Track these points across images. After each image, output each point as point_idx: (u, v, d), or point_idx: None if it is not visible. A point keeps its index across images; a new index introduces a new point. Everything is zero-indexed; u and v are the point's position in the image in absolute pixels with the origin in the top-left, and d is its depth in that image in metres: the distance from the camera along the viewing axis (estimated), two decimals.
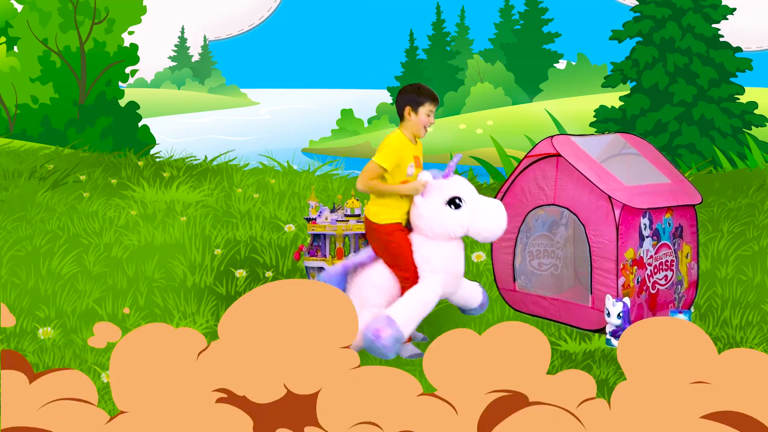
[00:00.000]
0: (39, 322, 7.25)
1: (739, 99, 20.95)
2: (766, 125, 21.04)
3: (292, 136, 11.49)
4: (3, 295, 7.82)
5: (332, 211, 7.93)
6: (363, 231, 7.58)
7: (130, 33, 20.38)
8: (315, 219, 7.75)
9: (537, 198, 7.75)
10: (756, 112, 20.85)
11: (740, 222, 9.67)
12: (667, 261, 7.57)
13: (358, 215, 7.78)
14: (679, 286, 7.70)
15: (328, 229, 7.65)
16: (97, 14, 19.72)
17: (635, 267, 7.27)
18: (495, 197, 7.63)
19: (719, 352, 6.63)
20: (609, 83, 21.89)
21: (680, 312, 7.09)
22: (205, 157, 13.44)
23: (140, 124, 21.03)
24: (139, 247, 9.01)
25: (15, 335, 7.04)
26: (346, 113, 42.67)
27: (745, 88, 21.28)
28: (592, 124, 22.43)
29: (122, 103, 20.97)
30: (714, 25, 21.08)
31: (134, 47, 20.55)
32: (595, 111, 22.14)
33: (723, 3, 21.42)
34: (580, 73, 44.14)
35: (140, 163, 12.89)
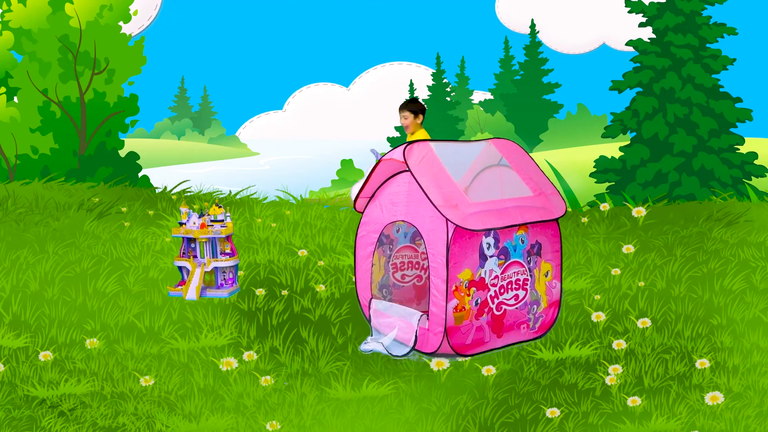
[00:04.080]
0: (86, 334, 7.90)
1: (738, 149, 21.10)
2: (765, 175, 21.05)
3: (291, 186, 12.24)
4: (55, 310, 8.43)
5: (200, 216, 8.98)
6: (223, 234, 8.96)
7: (130, 83, 20.53)
8: (185, 223, 8.98)
9: (391, 214, 7.60)
10: (756, 162, 21.07)
11: (691, 247, 10.56)
12: (518, 280, 7.41)
13: (221, 220, 8.96)
14: (535, 306, 7.62)
15: (194, 234, 8.92)
16: (97, 65, 20.01)
17: (473, 288, 7.13)
18: (355, 203, 8.08)
19: (673, 360, 7.15)
20: (609, 133, 22.03)
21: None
22: (230, 191, 14.83)
23: (140, 175, 21.19)
24: (173, 269, 9.75)
25: (66, 345, 7.66)
26: (346, 163, 43.51)
27: (745, 138, 21.33)
28: (592, 174, 22.26)
29: (122, 153, 20.95)
30: (714, 76, 21.14)
31: (134, 97, 20.71)
32: (595, 161, 22.13)
33: (723, 54, 22.42)
34: (579, 123, 45.18)
35: (173, 197, 13.93)
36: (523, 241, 7.47)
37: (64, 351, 7.59)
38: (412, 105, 9.54)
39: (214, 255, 9.06)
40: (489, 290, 7.32)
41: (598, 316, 8.07)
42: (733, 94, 21.54)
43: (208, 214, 9.02)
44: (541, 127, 44.76)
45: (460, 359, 7.23)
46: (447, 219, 6.98)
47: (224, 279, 9.03)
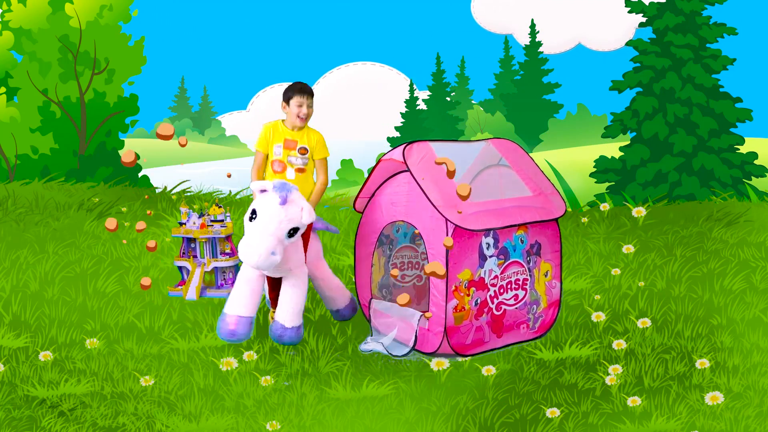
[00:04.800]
0: (86, 334, 7.88)
1: (738, 149, 20.82)
2: (765, 175, 20.71)
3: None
4: (55, 310, 8.44)
5: (200, 216, 9.04)
6: (223, 234, 8.92)
7: (131, 83, 20.34)
8: (185, 223, 9.07)
9: (390, 214, 7.61)
10: (756, 162, 20.80)
11: (691, 247, 10.58)
12: (518, 280, 7.47)
13: (221, 220, 8.99)
14: (535, 306, 7.66)
15: (194, 234, 9.00)
16: (97, 64, 19.85)
17: (472, 288, 7.16)
18: (354, 203, 8.05)
19: (673, 360, 7.15)
20: (609, 133, 21.90)
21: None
22: (230, 191, 14.78)
23: (140, 175, 20.98)
24: (173, 269, 9.70)
25: (66, 345, 7.65)
26: (346, 163, 43.41)
27: (745, 138, 21.01)
28: (592, 174, 22.60)
29: (122, 153, 21.94)
30: (714, 76, 20.91)
31: (134, 97, 20.57)
32: (595, 161, 21.92)
33: (723, 54, 22.43)
34: (579, 123, 45.10)
35: (173, 197, 13.91)
36: (522, 241, 7.49)
37: (64, 351, 7.58)
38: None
39: (214, 255, 9.06)
40: (489, 290, 7.34)
41: (598, 316, 8.06)
42: (733, 94, 21.50)
43: (208, 214, 9.03)
44: (541, 127, 44.64)
45: (460, 359, 7.23)
46: (446, 219, 6.98)
47: (224, 279, 9.07)
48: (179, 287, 8.95)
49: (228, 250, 9.10)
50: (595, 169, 22.35)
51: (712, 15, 21.66)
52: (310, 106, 7.74)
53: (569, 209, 15.03)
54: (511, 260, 7.41)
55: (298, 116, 7.70)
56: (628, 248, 10.01)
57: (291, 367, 7.26)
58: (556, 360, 7.39)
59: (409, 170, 7.26)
